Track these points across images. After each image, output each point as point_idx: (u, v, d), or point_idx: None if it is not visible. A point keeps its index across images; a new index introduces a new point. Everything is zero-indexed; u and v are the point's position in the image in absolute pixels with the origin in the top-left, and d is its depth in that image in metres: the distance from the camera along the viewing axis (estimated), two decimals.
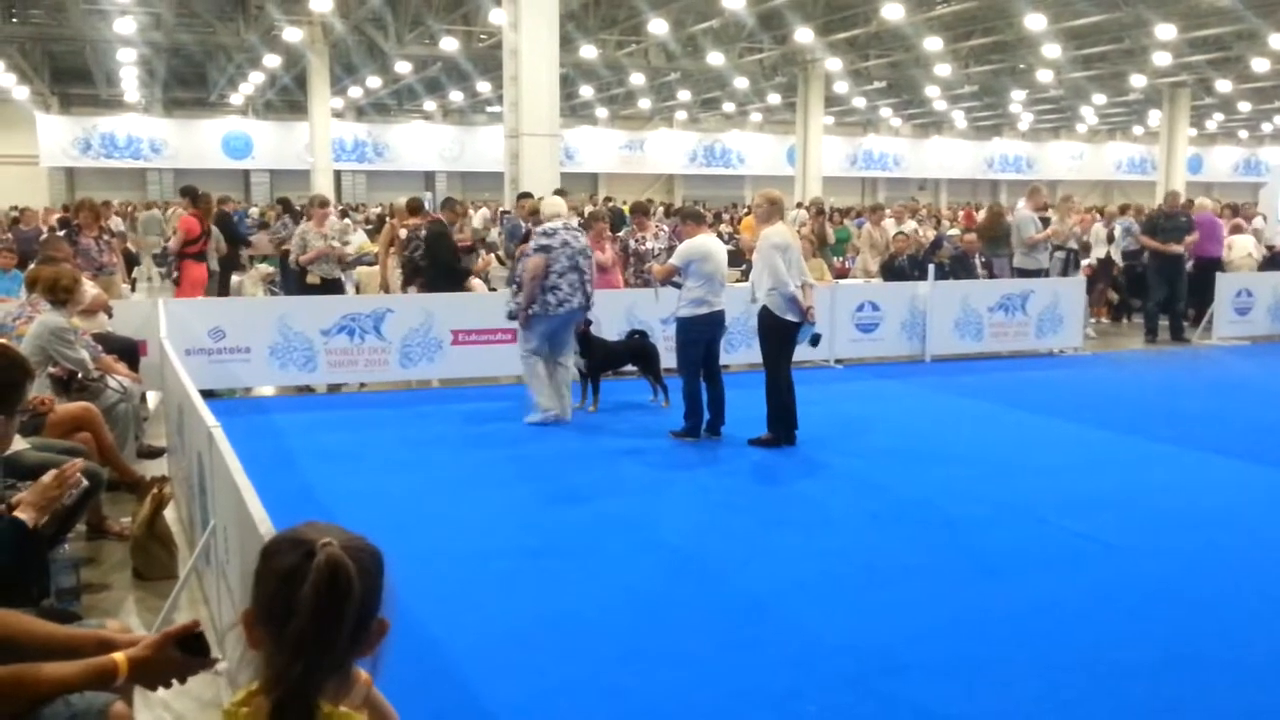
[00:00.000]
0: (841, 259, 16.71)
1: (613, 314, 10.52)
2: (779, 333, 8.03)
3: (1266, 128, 48.73)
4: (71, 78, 37.24)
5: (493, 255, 14.69)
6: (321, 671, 1.80)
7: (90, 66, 33.83)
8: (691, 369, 8.41)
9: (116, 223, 23.35)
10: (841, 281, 13.61)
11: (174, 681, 2.42)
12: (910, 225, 16.07)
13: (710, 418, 8.48)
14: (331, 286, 11.35)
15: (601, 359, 9.56)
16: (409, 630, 4.55)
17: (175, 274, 12.36)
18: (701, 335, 8.34)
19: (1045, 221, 14.40)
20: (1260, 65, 29.08)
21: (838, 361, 12.11)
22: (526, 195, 12.76)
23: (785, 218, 8.30)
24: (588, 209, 21.88)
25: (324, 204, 11.81)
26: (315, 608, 1.77)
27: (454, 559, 5.71)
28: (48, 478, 3.27)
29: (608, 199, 34.29)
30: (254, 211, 25.73)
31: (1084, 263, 16.44)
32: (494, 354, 10.65)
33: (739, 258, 15.72)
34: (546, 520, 6.42)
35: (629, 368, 10.19)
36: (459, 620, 4.85)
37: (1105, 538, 6.05)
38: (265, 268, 14.86)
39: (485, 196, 35.52)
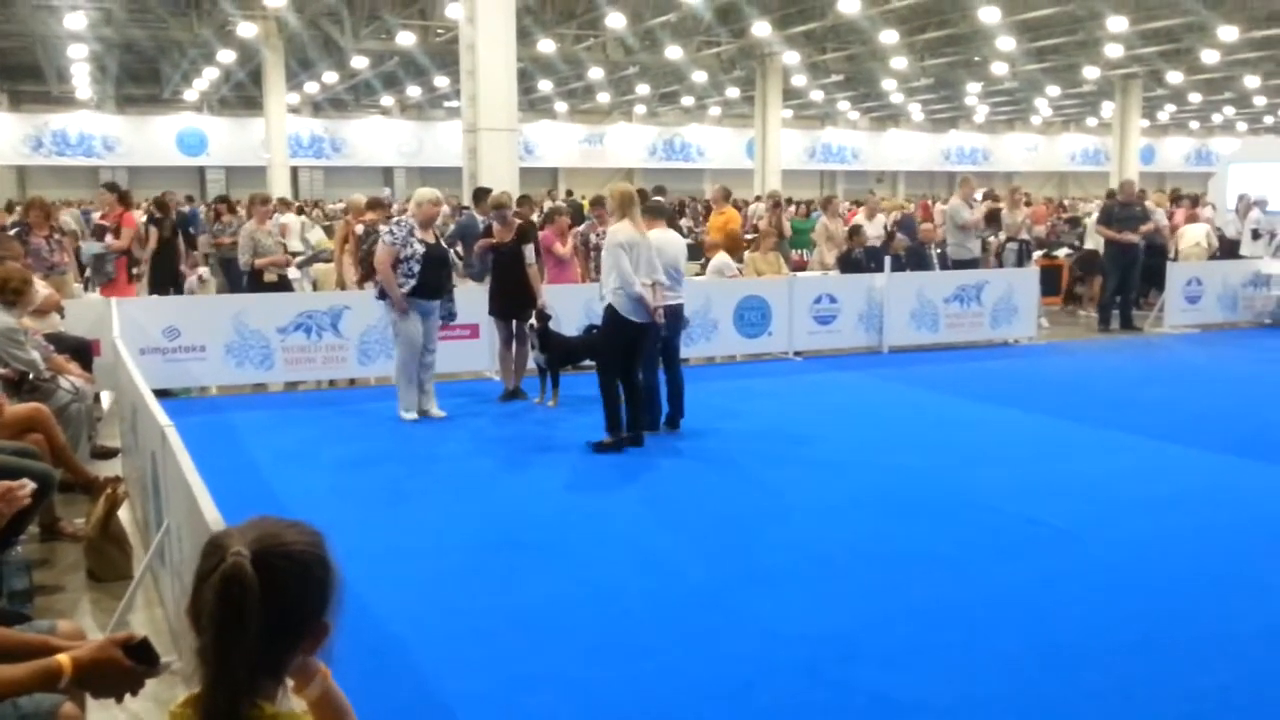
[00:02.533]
0: (802, 251, 16.79)
1: (571, 309, 10.53)
2: (624, 333, 7.91)
3: (1217, 118, 49.43)
4: (21, 74, 36.66)
5: (451, 252, 14.62)
6: (238, 676, 1.79)
7: (41, 63, 33.31)
8: (649, 362, 8.42)
9: (68, 221, 22.99)
10: (799, 274, 13.68)
11: (126, 694, 2.41)
12: (880, 220, 16.14)
13: (669, 411, 8.52)
14: (284, 284, 11.29)
15: (560, 354, 9.57)
16: (368, 625, 4.56)
17: (137, 273, 12.19)
18: (654, 328, 8.34)
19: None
20: (1210, 57, 29.53)
21: (796, 353, 12.19)
22: (485, 190, 12.72)
23: (636, 215, 7.97)
24: (546, 204, 21.85)
25: (265, 201, 11.69)
26: (212, 618, 1.78)
27: (413, 554, 5.71)
28: None
29: (569, 192, 34.24)
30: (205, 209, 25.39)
31: (1037, 254, 16.68)
32: (455, 349, 10.62)
33: (699, 251, 15.78)
34: (506, 514, 6.43)
35: (587, 362, 10.20)
36: (418, 614, 4.85)
37: (1059, 524, 6.14)
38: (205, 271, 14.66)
39: (445, 192, 35.32)
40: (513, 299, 9.64)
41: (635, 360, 8.08)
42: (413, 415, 8.96)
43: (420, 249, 8.71)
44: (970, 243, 14.01)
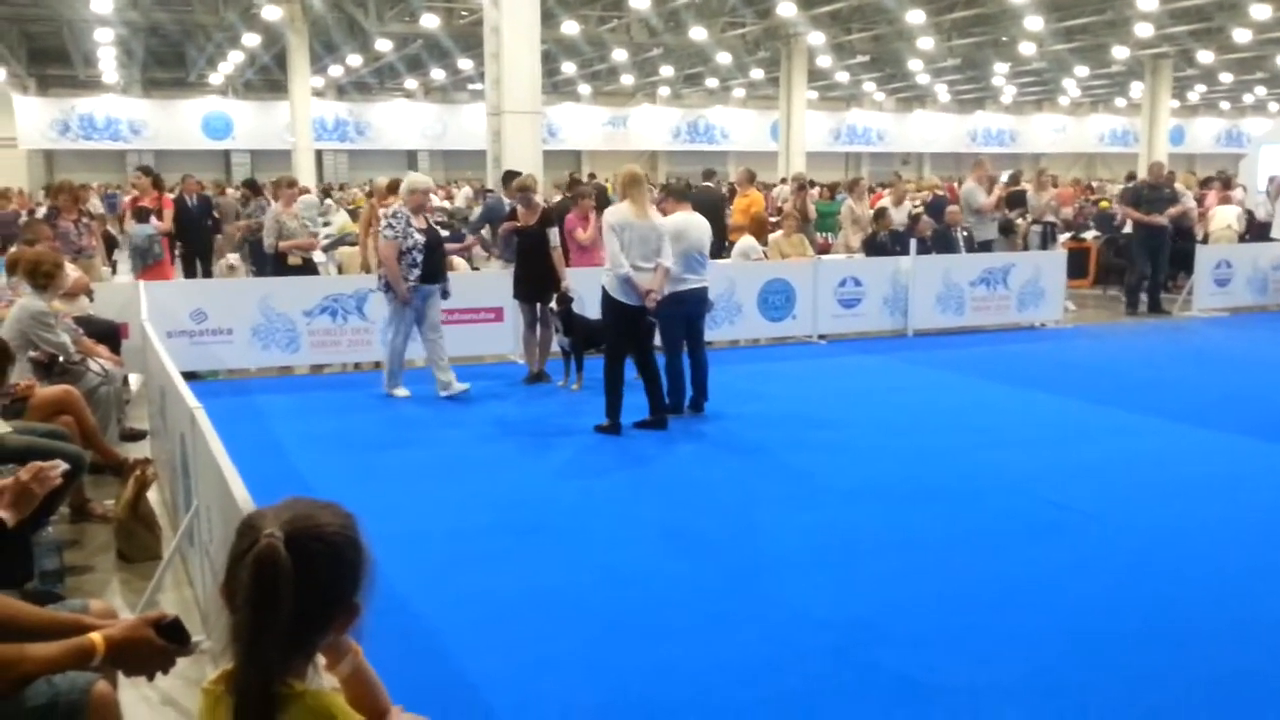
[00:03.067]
0: (827, 234, 16.72)
1: (594, 292, 10.49)
2: (616, 315, 7.92)
3: (1248, 99, 48.77)
4: (49, 59, 36.89)
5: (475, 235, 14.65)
6: (270, 655, 1.81)
7: (68, 47, 33.50)
8: (673, 345, 8.43)
9: (95, 205, 23.19)
10: (824, 257, 13.63)
11: (158, 673, 2.45)
12: (907, 207, 16.04)
13: (693, 394, 8.52)
14: (310, 267, 11.36)
15: (583, 337, 9.57)
16: (395, 607, 4.59)
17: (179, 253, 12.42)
18: (679, 311, 8.34)
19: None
20: (1242, 36, 29.11)
21: (821, 337, 12.16)
22: (515, 173, 12.71)
23: (638, 196, 7.89)
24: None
25: (291, 184, 11.75)
26: (246, 597, 1.81)
27: (438, 537, 5.75)
28: (24, 474, 3.27)
29: (591, 175, 34.21)
30: (231, 193, 25.51)
31: (1063, 237, 16.55)
32: (479, 333, 10.70)
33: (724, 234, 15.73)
34: (530, 497, 6.46)
35: None
36: (444, 597, 4.89)
37: (1085, 508, 6.11)
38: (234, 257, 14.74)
39: (468, 174, 35.42)
40: (536, 282, 9.65)
41: (643, 342, 8.07)
42: (404, 392, 9.18)
43: (421, 239, 8.94)
44: (985, 225, 13.96)
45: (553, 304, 9.41)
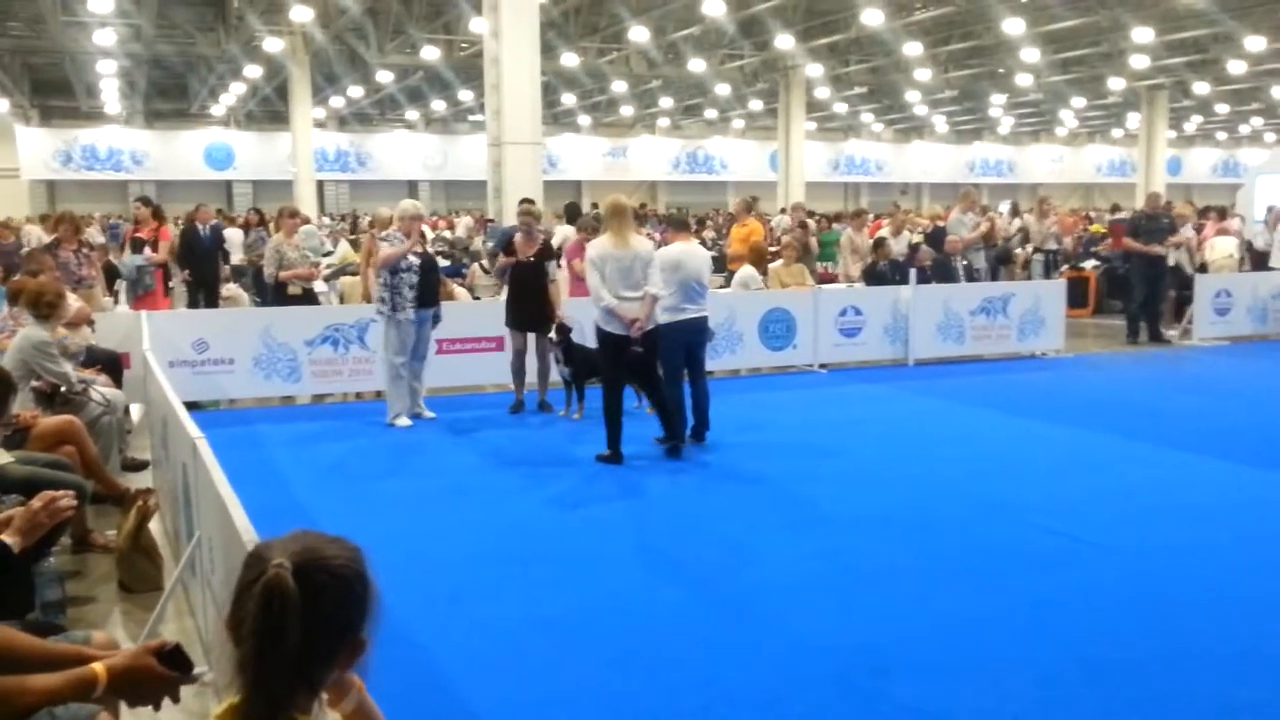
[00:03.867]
0: (826, 264, 16.77)
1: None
2: (606, 345, 7.97)
3: (1244, 129, 49.06)
4: (51, 90, 37.08)
5: (477, 265, 14.70)
6: (276, 688, 1.80)
7: (70, 79, 33.69)
8: (673, 374, 8.43)
9: (95, 235, 23.23)
10: (824, 286, 13.66)
11: (161, 702, 2.43)
12: (906, 236, 16.08)
13: (694, 423, 8.51)
14: (310, 296, 11.38)
15: (584, 367, 9.57)
16: (398, 637, 4.56)
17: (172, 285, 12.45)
18: (679, 341, 8.35)
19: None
20: (1237, 67, 29.30)
21: (821, 366, 12.16)
22: (529, 202, 12.77)
23: (620, 227, 7.86)
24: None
25: (294, 214, 11.80)
26: (252, 629, 1.79)
27: (440, 566, 5.73)
28: (37, 503, 3.26)
29: (594, 205, 34.30)
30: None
31: (1064, 267, 16.60)
32: (479, 362, 10.69)
33: (724, 264, 15.77)
34: (533, 527, 6.44)
35: None
36: (447, 626, 4.87)
37: (1088, 537, 6.09)
38: (233, 287, 14.73)
39: (468, 205, 35.55)
40: (529, 312, 9.66)
41: (648, 373, 8.06)
42: (406, 422, 9.18)
43: (415, 260, 9.08)
44: (972, 254, 14.04)
45: (552, 334, 9.42)
